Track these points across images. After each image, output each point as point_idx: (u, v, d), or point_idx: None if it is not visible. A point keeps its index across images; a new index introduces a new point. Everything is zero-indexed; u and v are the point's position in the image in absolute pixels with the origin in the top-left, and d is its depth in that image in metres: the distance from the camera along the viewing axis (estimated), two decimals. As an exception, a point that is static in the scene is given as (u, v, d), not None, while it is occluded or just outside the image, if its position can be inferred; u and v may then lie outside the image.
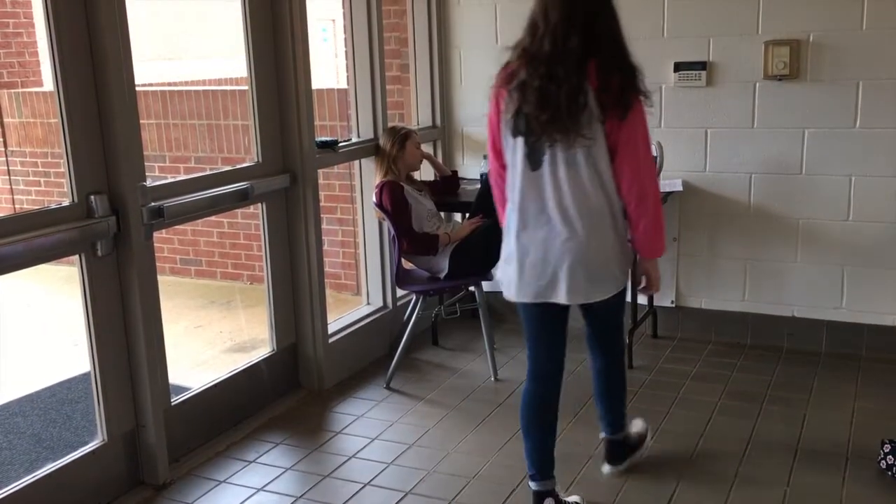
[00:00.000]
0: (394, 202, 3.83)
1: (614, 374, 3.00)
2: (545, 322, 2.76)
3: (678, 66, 4.10)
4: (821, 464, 3.08)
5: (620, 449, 3.09)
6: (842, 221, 3.99)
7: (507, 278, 2.73)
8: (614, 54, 2.56)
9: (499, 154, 2.73)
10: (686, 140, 4.18)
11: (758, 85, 4.01)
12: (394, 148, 3.97)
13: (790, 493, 2.90)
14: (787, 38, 3.90)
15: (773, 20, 3.93)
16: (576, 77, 2.50)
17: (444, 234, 3.92)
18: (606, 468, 3.09)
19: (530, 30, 2.61)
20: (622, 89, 2.53)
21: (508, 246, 2.72)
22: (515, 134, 2.62)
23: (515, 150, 2.63)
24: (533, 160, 2.60)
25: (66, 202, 2.80)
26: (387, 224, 3.99)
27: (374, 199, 3.94)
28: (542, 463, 2.79)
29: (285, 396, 3.79)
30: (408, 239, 3.84)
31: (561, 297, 2.64)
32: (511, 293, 2.73)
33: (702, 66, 4.05)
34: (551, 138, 2.55)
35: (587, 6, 2.54)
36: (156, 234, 3.06)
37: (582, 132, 2.51)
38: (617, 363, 3.01)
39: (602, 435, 3.09)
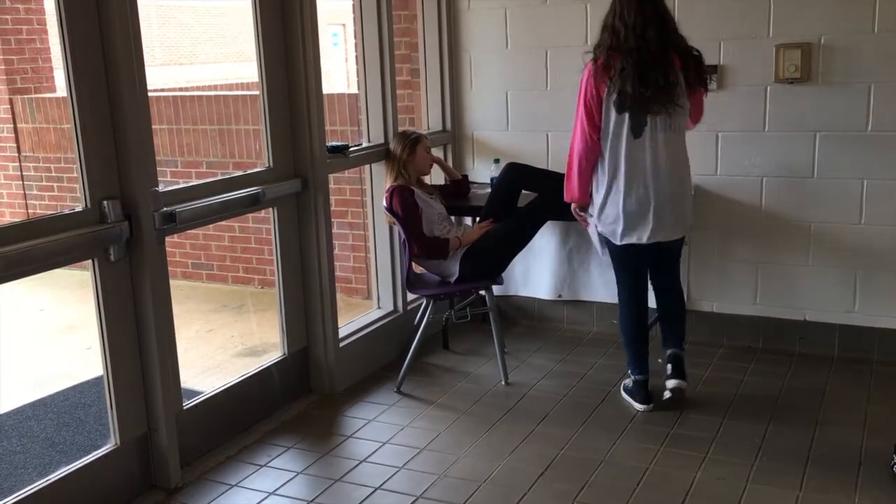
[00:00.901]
0: (404, 206, 3.84)
1: (679, 305, 3.68)
2: (637, 260, 3.52)
3: (689, 70, 4.11)
4: (833, 469, 3.07)
5: (684, 364, 3.61)
6: (854, 225, 3.97)
7: (610, 228, 3.44)
8: (685, 43, 3.34)
9: (596, 129, 3.34)
10: (697, 143, 4.13)
11: (769, 88, 4.00)
12: (404, 152, 3.98)
13: (802, 497, 2.89)
14: (798, 41, 3.90)
15: (784, 23, 3.92)
16: (666, 62, 3.25)
17: (454, 238, 3.92)
18: (672, 383, 3.56)
19: (611, 30, 3.29)
20: (699, 70, 3.36)
21: (610, 202, 3.39)
22: (620, 111, 3.29)
23: (620, 123, 3.30)
24: (636, 130, 3.30)
25: (79, 207, 2.81)
26: (397, 228, 4.00)
27: (384, 203, 3.95)
28: (643, 363, 3.59)
29: (296, 400, 3.80)
30: (418, 243, 3.85)
31: (660, 236, 3.40)
32: (616, 240, 3.44)
33: (713, 69, 4.04)
34: (654, 111, 3.26)
35: (655, 7, 3.25)
36: (168, 239, 3.07)
37: (679, 103, 3.29)
38: (680, 296, 3.70)
39: (669, 351, 3.61)
